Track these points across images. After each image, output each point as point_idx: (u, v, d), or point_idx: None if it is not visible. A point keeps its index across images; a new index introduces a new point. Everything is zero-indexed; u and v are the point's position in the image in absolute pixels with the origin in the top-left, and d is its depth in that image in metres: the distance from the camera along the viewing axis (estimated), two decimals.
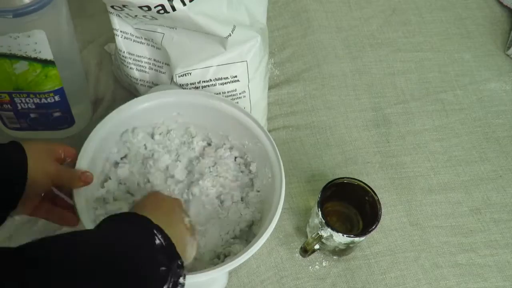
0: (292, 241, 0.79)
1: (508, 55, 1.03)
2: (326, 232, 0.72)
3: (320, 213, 0.71)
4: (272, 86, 0.91)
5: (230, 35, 0.71)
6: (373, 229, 0.71)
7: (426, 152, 0.90)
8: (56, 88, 0.74)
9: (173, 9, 0.66)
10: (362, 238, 0.72)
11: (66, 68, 0.73)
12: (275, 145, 0.71)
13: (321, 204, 0.72)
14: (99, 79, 0.92)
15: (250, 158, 0.75)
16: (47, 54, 0.68)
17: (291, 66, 0.97)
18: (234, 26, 0.71)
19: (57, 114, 0.79)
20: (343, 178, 0.74)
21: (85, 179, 0.63)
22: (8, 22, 0.61)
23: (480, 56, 1.03)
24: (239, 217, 0.73)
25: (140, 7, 0.67)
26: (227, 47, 0.73)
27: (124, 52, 0.79)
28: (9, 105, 0.76)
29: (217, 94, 0.78)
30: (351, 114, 0.92)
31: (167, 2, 0.66)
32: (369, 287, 0.77)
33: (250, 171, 0.76)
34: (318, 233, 0.73)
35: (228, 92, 0.78)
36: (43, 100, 0.75)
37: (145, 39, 0.77)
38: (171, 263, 0.49)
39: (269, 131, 0.88)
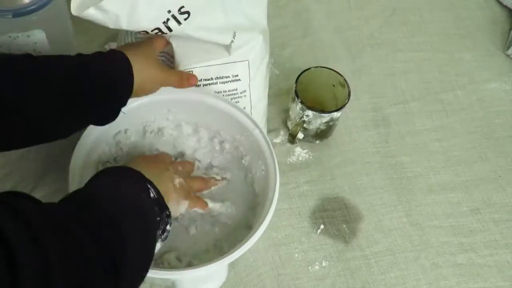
0: (291, 242, 0.79)
1: (508, 55, 1.03)
2: (307, 115, 0.81)
3: (298, 100, 0.81)
4: (272, 86, 0.91)
5: (232, 41, 0.72)
6: (346, 103, 0.82)
7: (426, 152, 0.90)
8: None
9: (169, 30, 0.66)
10: (338, 114, 0.83)
11: None
12: (267, 137, 0.71)
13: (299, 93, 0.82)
14: None
15: (243, 151, 0.76)
16: (47, 54, 0.68)
17: (292, 66, 0.97)
18: (235, 33, 0.72)
19: None
20: (310, 67, 0.85)
21: (192, 81, 0.71)
22: (8, 22, 0.61)
23: (480, 56, 1.03)
24: (233, 210, 0.73)
25: (138, 32, 0.67)
26: (231, 52, 0.74)
27: None
28: None
29: (218, 92, 0.78)
30: (351, 114, 0.92)
31: (162, 24, 0.65)
32: (369, 287, 0.77)
33: (243, 164, 0.76)
34: (301, 118, 0.82)
35: (229, 91, 0.78)
36: None
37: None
38: (162, 213, 0.57)
39: (269, 131, 0.88)
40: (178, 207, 0.65)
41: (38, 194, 0.78)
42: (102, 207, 0.50)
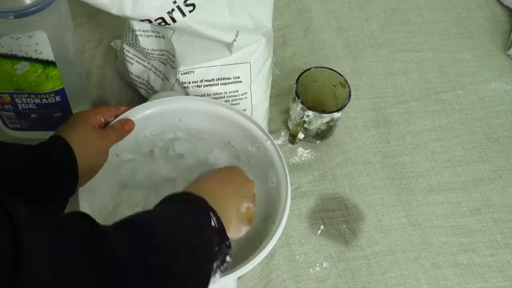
0: (292, 243, 0.79)
1: (508, 55, 1.03)
2: (308, 115, 0.81)
3: (299, 100, 0.81)
4: (273, 86, 0.92)
5: (234, 40, 0.72)
6: (347, 104, 0.81)
7: (426, 152, 0.91)
8: (57, 88, 0.74)
9: (173, 20, 0.66)
10: (339, 114, 0.82)
11: (67, 69, 0.73)
12: (279, 150, 0.71)
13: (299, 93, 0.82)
14: (101, 78, 0.92)
15: (254, 163, 0.75)
16: (48, 55, 0.68)
17: (292, 66, 0.97)
18: (238, 32, 0.71)
19: (57, 114, 0.79)
20: (311, 67, 0.85)
21: (129, 129, 0.69)
22: (10, 23, 0.61)
23: (481, 56, 1.03)
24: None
25: (142, 21, 0.67)
26: (233, 52, 0.74)
27: (148, 49, 0.79)
28: (10, 106, 0.76)
29: (218, 94, 0.78)
30: (351, 114, 0.93)
31: (167, 14, 0.66)
32: (369, 287, 0.77)
33: (255, 174, 0.75)
34: (301, 118, 0.82)
35: (229, 92, 0.78)
36: (44, 101, 0.75)
37: (162, 35, 0.78)
38: (221, 243, 0.54)
39: (270, 132, 0.88)
40: (239, 232, 0.62)
41: None
42: (155, 238, 0.49)
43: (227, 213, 0.58)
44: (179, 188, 0.75)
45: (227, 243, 0.55)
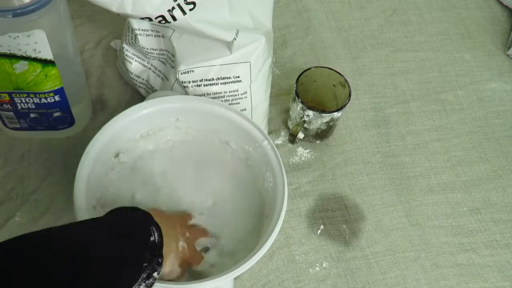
0: (292, 244, 0.79)
1: (508, 55, 1.03)
2: (308, 115, 0.81)
3: (299, 99, 0.81)
4: (273, 86, 0.92)
5: (234, 39, 0.72)
6: (347, 103, 0.81)
7: (426, 152, 0.90)
8: (56, 88, 0.74)
9: (174, 19, 0.67)
10: (339, 114, 0.82)
11: (66, 68, 0.73)
12: (276, 149, 0.70)
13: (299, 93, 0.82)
14: (100, 78, 0.92)
15: (251, 162, 0.75)
16: (47, 54, 0.68)
17: (292, 65, 0.97)
18: (238, 31, 0.72)
19: (57, 114, 0.79)
20: (311, 67, 0.84)
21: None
22: (8, 22, 0.61)
23: (480, 56, 1.03)
24: (242, 221, 0.73)
25: (142, 19, 0.67)
26: (233, 51, 0.74)
27: (147, 48, 0.79)
28: (9, 105, 0.76)
29: (218, 93, 0.78)
30: (351, 114, 0.93)
31: (167, 12, 0.66)
32: (369, 287, 0.77)
33: (252, 173, 0.76)
34: (301, 118, 0.82)
35: (230, 92, 0.78)
36: (43, 100, 0.75)
37: (162, 34, 0.78)
38: (153, 258, 0.55)
39: (270, 132, 0.88)
40: (172, 270, 0.62)
41: (42, 195, 0.78)
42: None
43: (168, 244, 0.59)
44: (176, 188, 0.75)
45: (160, 260, 0.55)
